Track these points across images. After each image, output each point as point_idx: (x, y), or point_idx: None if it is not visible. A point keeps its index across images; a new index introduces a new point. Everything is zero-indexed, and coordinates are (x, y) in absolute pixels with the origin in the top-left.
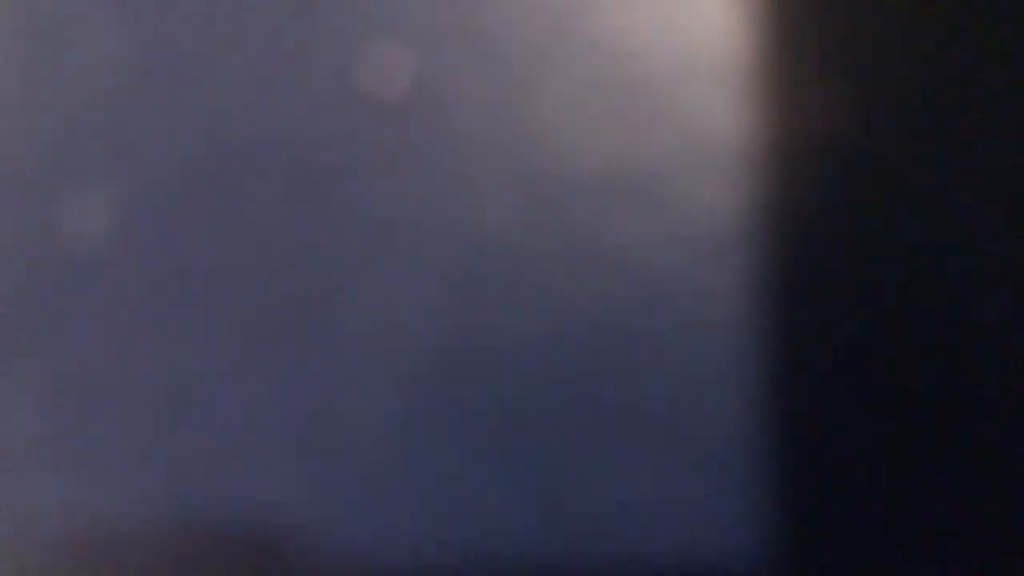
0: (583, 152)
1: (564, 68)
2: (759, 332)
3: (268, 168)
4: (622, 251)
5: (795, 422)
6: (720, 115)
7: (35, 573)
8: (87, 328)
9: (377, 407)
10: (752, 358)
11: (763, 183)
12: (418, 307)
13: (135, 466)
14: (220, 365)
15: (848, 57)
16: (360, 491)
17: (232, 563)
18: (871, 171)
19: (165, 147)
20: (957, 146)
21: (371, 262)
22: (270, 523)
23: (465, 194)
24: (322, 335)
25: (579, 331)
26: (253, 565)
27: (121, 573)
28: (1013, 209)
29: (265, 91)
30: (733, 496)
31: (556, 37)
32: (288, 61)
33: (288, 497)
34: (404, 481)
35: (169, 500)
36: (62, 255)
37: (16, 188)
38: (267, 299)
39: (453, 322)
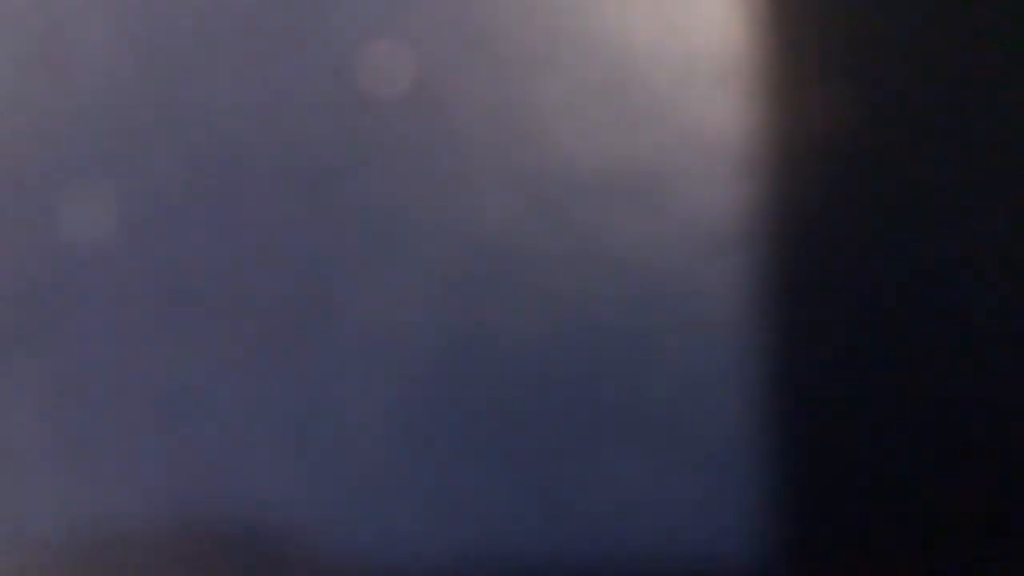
0: (583, 152)
1: (564, 68)
2: (759, 332)
3: (268, 168)
4: (622, 251)
5: (795, 422)
6: (720, 115)
7: (35, 573)
8: (87, 328)
9: (377, 407)
10: (752, 358)
11: (763, 183)
12: (418, 307)
13: (135, 466)
14: (220, 365)
15: (848, 57)
16: (360, 491)
17: (232, 563)
18: (871, 171)
19: (164, 146)
20: (957, 146)
21: (371, 262)
22: (270, 523)
23: (465, 194)
24: (322, 335)
25: (579, 331)
26: (253, 565)
27: (121, 573)
28: (1014, 209)
29: (265, 91)
30: (733, 496)
31: (556, 37)
32: (288, 61)
33: (288, 497)
34: (404, 481)
35: (169, 500)
36: (62, 255)
37: (16, 188)
38: (267, 299)
39: (453, 322)
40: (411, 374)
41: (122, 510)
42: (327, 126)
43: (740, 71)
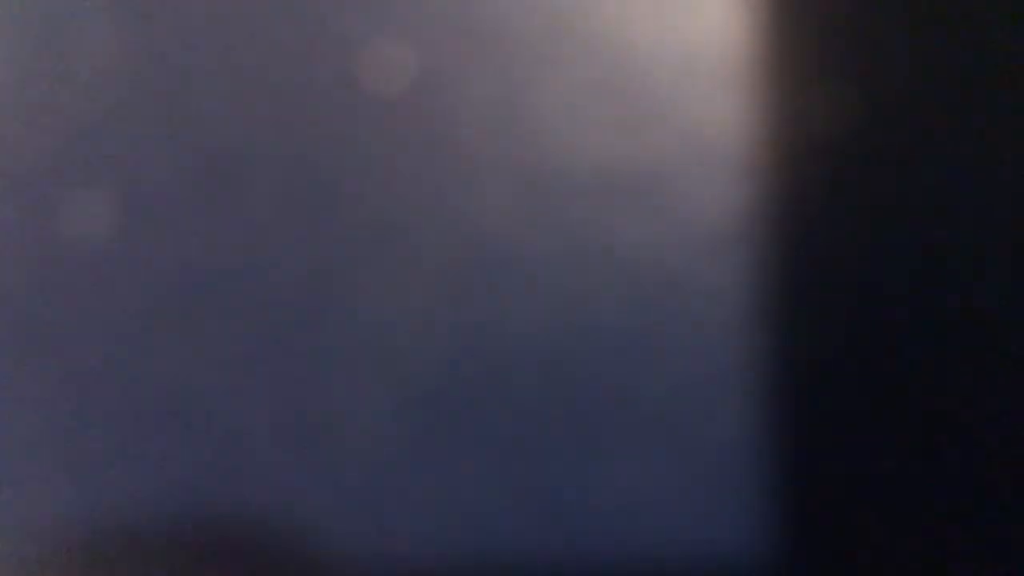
0: (583, 152)
1: (564, 68)
2: (759, 332)
3: (267, 167)
4: (622, 251)
5: (795, 422)
6: (720, 115)
7: (35, 573)
8: (87, 328)
9: (377, 407)
10: (752, 358)
11: (763, 183)
12: (417, 307)
13: (136, 466)
14: (220, 364)
15: (848, 57)
16: (360, 491)
17: (232, 563)
18: (871, 171)
19: (163, 146)
20: (958, 146)
21: (370, 262)
22: (270, 523)
23: (465, 194)
24: (322, 334)
25: (579, 331)
26: (253, 565)
27: (121, 573)
28: (1015, 209)
29: (264, 90)
30: (733, 496)
31: (556, 37)
32: (287, 60)
33: (288, 497)
34: (404, 481)
35: (169, 500)
36: (62, 254)
37: (16, 188)
38: (267, 298)
39: (453, 322)
40: (411, 374)
41: (122, 510)
42: (327, 126)
43: (740, 71)
